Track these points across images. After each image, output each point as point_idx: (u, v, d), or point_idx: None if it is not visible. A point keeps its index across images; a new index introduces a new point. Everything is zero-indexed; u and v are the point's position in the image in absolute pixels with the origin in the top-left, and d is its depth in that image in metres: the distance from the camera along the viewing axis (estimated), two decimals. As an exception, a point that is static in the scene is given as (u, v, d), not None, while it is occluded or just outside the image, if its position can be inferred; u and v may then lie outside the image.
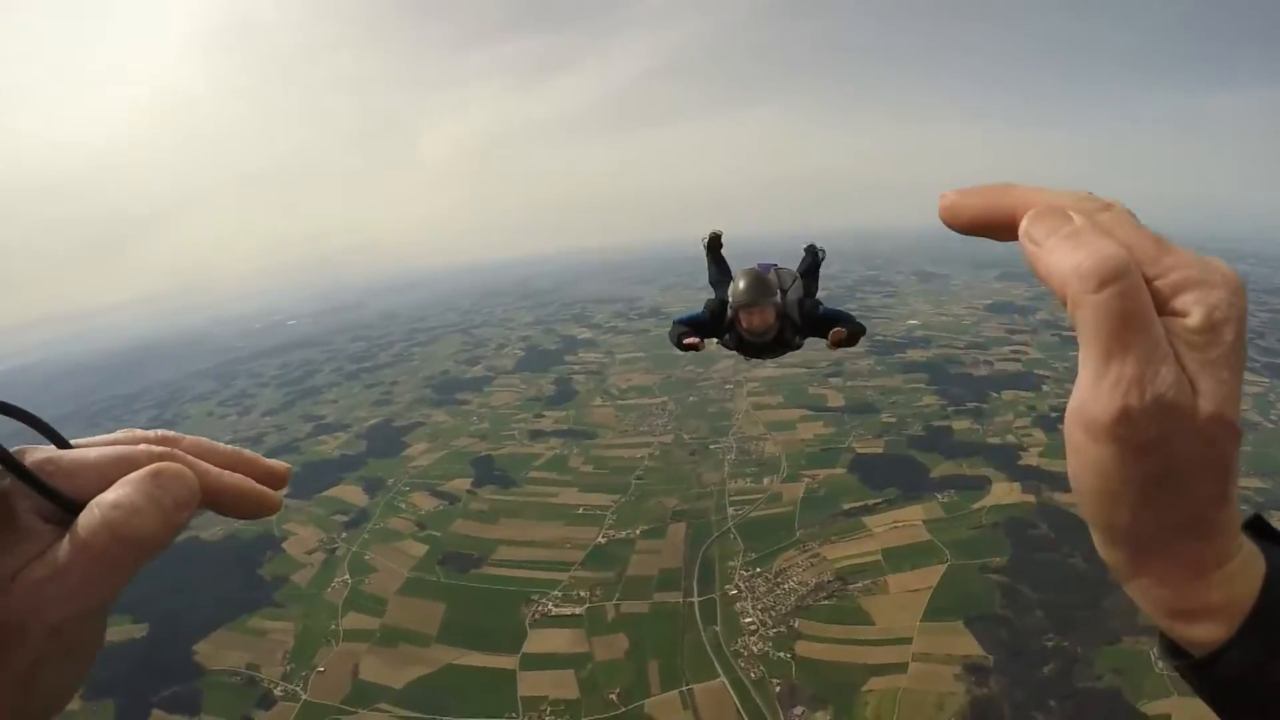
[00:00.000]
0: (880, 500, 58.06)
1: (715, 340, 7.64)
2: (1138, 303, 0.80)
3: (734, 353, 7.70)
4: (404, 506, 67.84)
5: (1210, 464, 0.85)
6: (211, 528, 67.33)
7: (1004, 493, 56.40)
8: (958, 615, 44.03)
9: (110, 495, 0.90)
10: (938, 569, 48.51)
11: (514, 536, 59.57)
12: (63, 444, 1.01)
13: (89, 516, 0.89)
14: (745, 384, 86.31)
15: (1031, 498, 55.29)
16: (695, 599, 48.77)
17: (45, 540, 0.90)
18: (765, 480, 64.22)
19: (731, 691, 41.42)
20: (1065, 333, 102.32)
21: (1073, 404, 0.87)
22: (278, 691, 44.26)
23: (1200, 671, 0.97)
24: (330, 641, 49.32)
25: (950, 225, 1.02)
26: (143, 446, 1.03)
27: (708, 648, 44.66)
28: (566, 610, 49.74)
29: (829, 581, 48.73)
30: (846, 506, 57.86)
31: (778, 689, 41.05)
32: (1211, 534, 0.91)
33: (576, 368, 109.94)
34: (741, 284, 7.13)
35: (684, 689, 42.09)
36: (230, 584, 56.50)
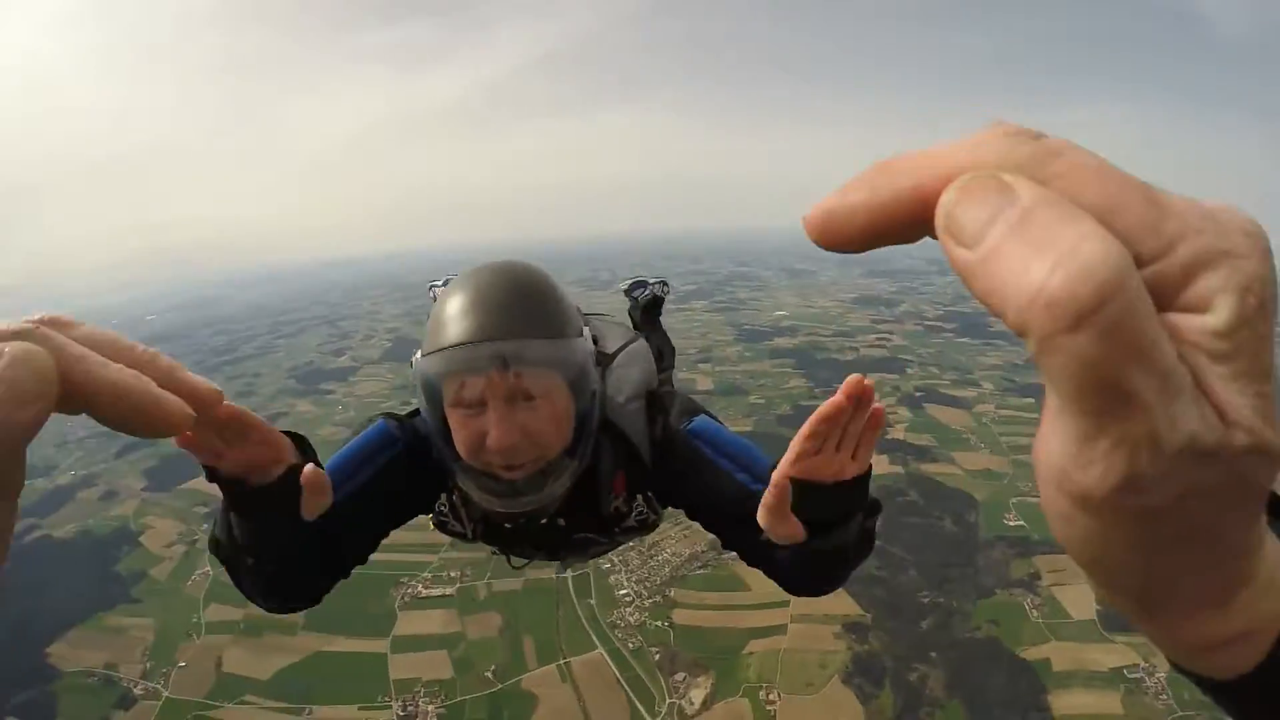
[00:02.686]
0: (751, 475, 58.44)
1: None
2: (1137, 331, 0.45)
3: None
4: (265, 496, 64.48)
5: (1243, 502, 0.55)
6: (64, 525, 62.94)
7: (873, 464, 58.18)
8: (833, 578, 44.98)
9: None
10: (810, 536, 49.34)
11: (381, 522, 57.27)
12: None
13: None
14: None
15: (900, 468, 56.91)
16: (568, 574, 47.55)
17: None
18: (637, 453, 63.94)
19: (610, 662, 41.08)
20: (927, 322, 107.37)
21: (1046, 464, 0.53)
22: (138, 690, 41.04)
23: (1229, 691, 0.71)
24: (192, 635, 46.17)
25: (835, 246, 0.59)
26: (8, 323, 0.73)
27: (583, 621, 44.33)
28: (437, 591, 48.30)
29: (702, 551, 48.67)
30: (720, 480, 57.92)
31: (657, 657, 40.96)
32: (1237, 558, 0.62)
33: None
34: (455, 304, 2.29)
35: (561, 663, 41.50)
36: (84, 581, 52.35)
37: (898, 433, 63.84)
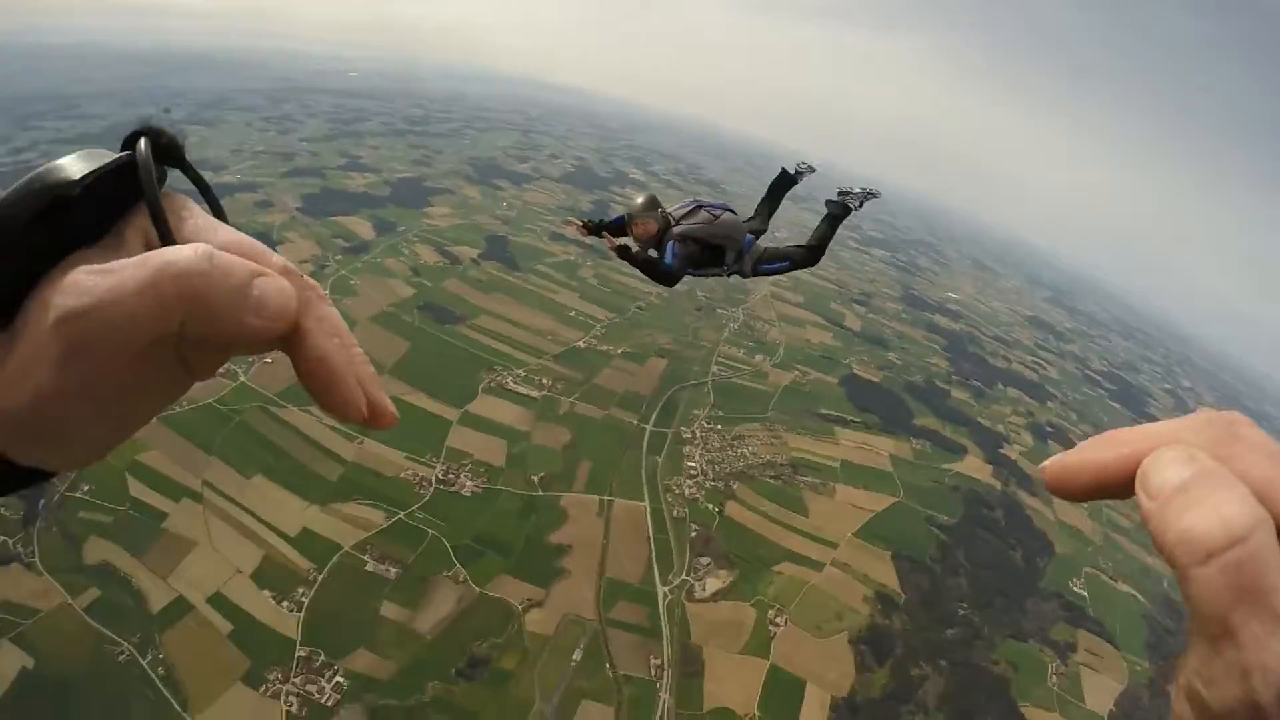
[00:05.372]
0: (858, 420, 57.54)
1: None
2: (1258, 574, 0.62)
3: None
4: (406, 252, 67.40)
5: None
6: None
7: (975, 467, 55.93)
8: (889, 546, 43.93)
9: (207, 246, 0.83)
10: (887, 499, 48.22)
11: (501, 311, 59.38)
12: (219, 213, 0.97)
13: (163, 251, 0.82)
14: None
15: (998, 484, 54.78)
16: (649, 427, 48.69)
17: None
18: (758, 357, 63.96)
19: (649, 518, 41.57)
20: (1089, 371, 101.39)
21: (1183, 678, 0.69)
22: (220, 373, 44.13)
23: None
24: (286, 336, 49.15)
25: (1064, 494, 0.87)
26: (261, 245, 0.95)
27: (643, 472, 44.72)
28: (523, 390, 49.64)
29: (781, 464, 48.50)
30: (824, 411, 57.39)
31: (693, 534, 41.16)
32: None
33: (618, 199, 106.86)
34: (638, 199, 8.04)
35: (606, 498, 42.23)
36: None
37: (1012, 452, 61.23)
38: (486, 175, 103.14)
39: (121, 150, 0.89)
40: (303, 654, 30.93)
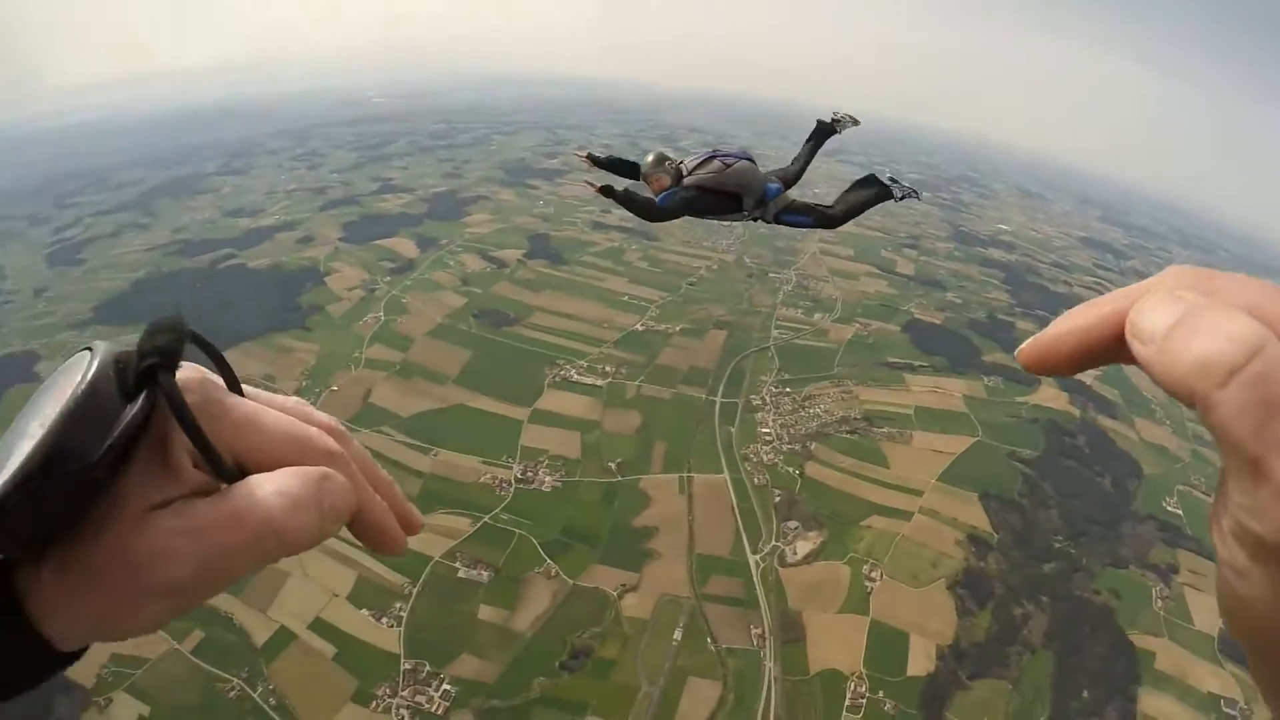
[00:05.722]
0: (926, 365, 56.89)
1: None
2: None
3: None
4: (452, 264, 68.48)
5: None
6: (258, 258, 70.08)
7: (1051, 397, 54.57)
8: (975, 487, 43.21)
9: (277, 481, 0.88)
10: (966, 440, 47.49)
11: (554, 307, 59.94)
12: (236, 388, 1.00)
13: (247, 492, 0.86)
14: (817, 230, 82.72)
15: (1077, 411, 53.54)
16: (718, 399, 48.66)
17: (188, 485, 0.87)
18: (816, 316, 63.53)
19: (731, 489, 41.54)
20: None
21: (1226, 520, 0.64)
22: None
23: None
24: (350, 367, 50.46)
25: (1046, 370, 0.86)
26: (316, 432, 1.01)
27: (719, 444, 44.66)
28: (588, 380, 50.03)
29: (855, 418, 48.10)
30: (891, 360, 56.83)
31: (777, 499, 41.04)
32: None
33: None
34: (648, 158, 7.97)
35: (685, 475, 42.31)
36: (266, 306, 57.95)
37: (1086, 376, 59.27)
38: (519, 177, 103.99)
39: (138, 368, 0.83)
40: (408, 666, 31.73)
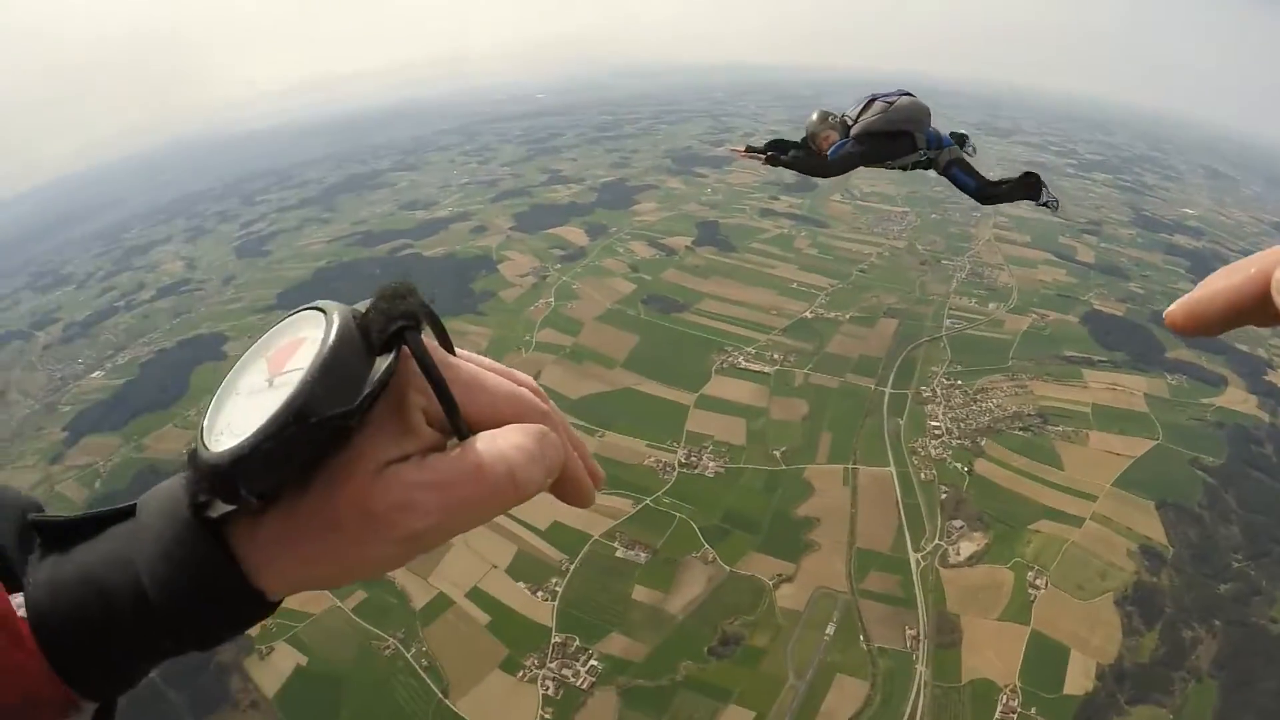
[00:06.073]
0: (1106, 360, 53.75)
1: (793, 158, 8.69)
2: None
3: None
4: (621, 251, 70.51)
5: None
6: (434, 247, 74.87)
7: (1238, 399, 50.35)
8: (1152, 495, 40.61)
9: (510, 437, 0.91)
10: (1145, 443, 44.68)
11: (722, 293, 60.63)
12: (450, 350, 1.00)
13: (490, 446, 0.89)
14: (993, 216, 79.75)
15: (1265, 415, 49.12)
16: (887, 390, 48.05)
17: (424, 442, 0.90)
18: (991, 305, 61.24)
19: (896, 483, 41.03)
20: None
21: None
22: None
23: None
24: (521, 350, 52.96)
25: (1197, 332, 0.90)
26: (526, 392, 1.05)
27: (886, 437, 44.17)
28: (756, 367, 50.44)
29: (1029, 415, 46.34)
30: (1068, 353, 54.20)
31: (944, 496, 40.21)
32: None
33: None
34: (812, 116, 8.56)
35: (850, 466, 42.09)
36: (440, 292, 60.10)
37: (1277, 378, 54.33)
38: (686, 165, 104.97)
39: (380, 327, 0.88)
40: (558, 640, 33.01)
